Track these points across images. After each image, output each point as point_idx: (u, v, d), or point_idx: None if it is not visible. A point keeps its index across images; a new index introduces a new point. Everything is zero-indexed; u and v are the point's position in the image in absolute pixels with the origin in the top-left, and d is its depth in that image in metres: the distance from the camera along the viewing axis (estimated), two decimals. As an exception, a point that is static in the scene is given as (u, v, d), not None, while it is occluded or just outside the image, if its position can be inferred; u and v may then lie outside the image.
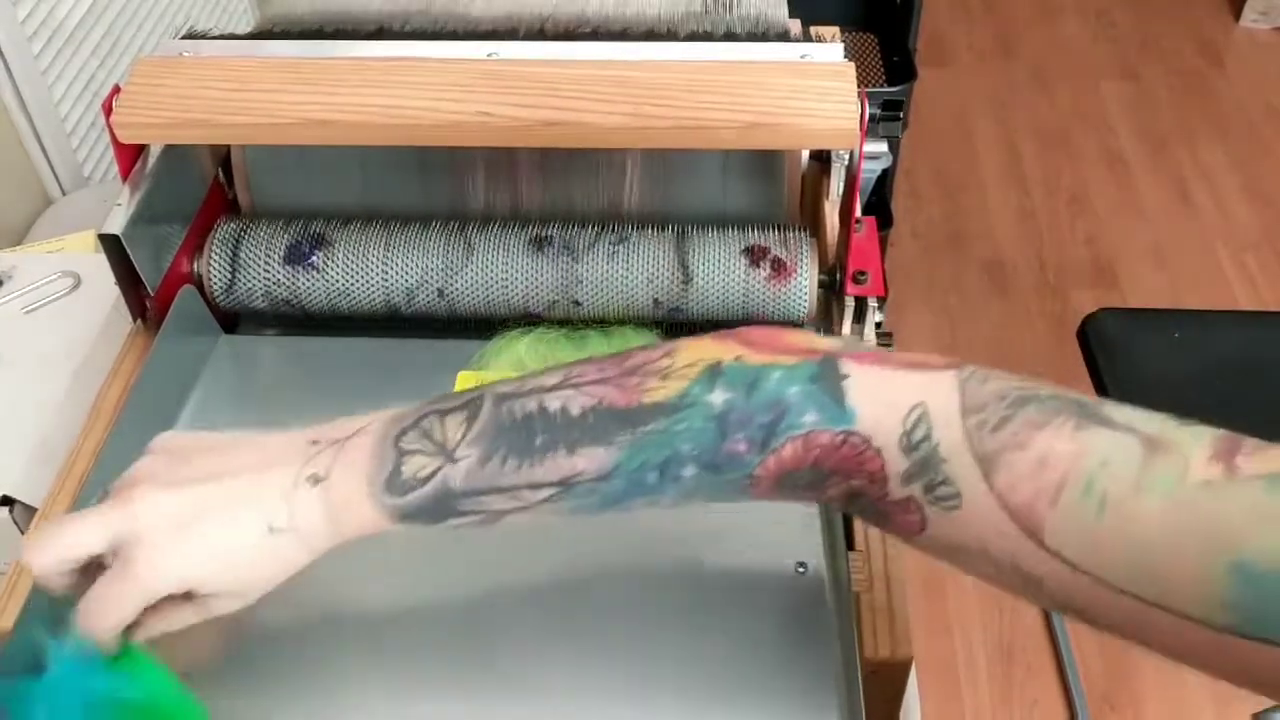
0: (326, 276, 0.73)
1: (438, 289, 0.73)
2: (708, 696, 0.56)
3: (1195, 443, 0.41)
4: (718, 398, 0.46)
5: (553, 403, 0.48)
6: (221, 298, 0.75)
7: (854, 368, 0.46)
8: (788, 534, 0.63)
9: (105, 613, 0.47)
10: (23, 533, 0.71)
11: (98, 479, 0.64)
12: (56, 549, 0.47)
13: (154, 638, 0.49)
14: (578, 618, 0.59)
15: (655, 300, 0.72)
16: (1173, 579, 0.39)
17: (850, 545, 0.62)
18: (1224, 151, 2.29)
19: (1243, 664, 0.39)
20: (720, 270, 0.72)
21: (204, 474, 0.49)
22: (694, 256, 0.72)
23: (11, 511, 0.71)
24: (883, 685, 0.60)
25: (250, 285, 0.74)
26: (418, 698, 0.56)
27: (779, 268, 0.71)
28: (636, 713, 0.56)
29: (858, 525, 0.63)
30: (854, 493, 0.47)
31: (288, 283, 0.73)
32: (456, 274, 0.72)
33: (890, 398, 0.45)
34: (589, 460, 0.47)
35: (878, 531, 0.63)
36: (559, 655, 0.58)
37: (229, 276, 0.74)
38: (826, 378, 0.46)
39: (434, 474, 0.48)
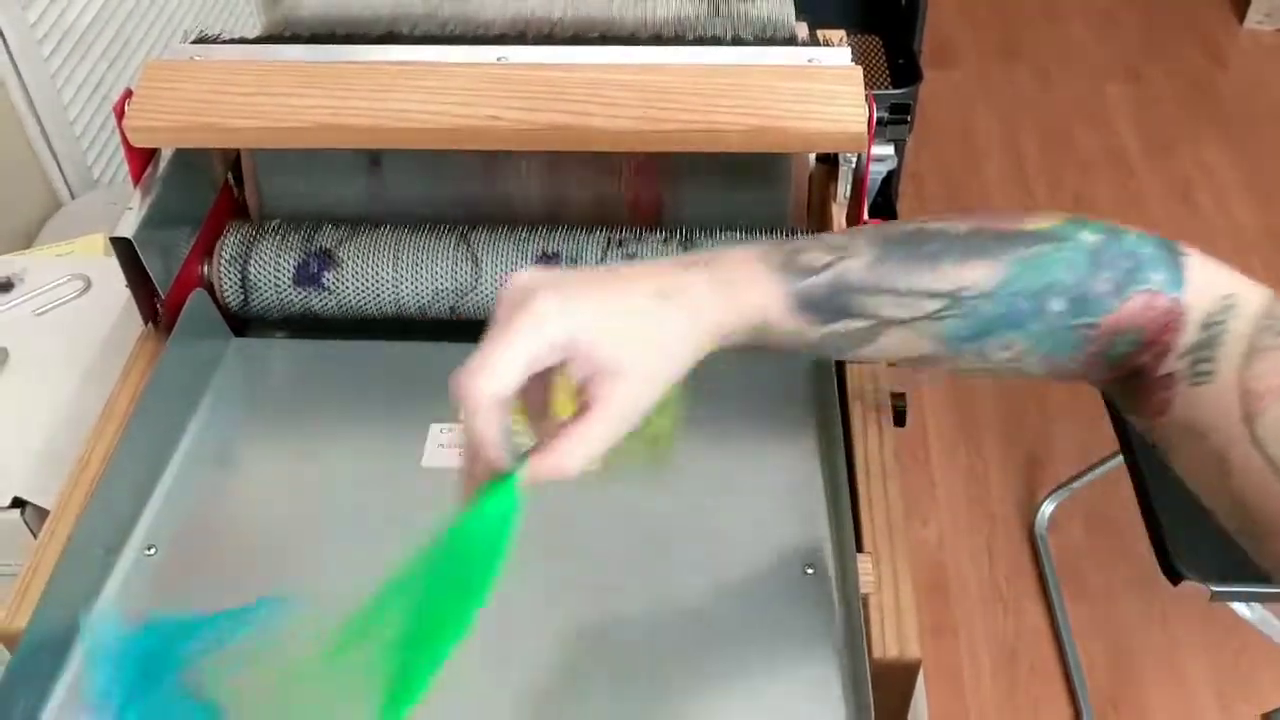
0: (338, 296, 0.74)
1: (449, 306, 0.74)
2: (717, 696, 0.57)
3: None
4: (1089, 236, 0.49)
5: (933, 224, 0.50)
6: (232, 303, 0.75)
7: (1190, 249, 0.50)
8: (796, 536, 0.63)
9: (494, 354, 0.46)
10: (34, 534, 0.71)
11: (109, 481, 0.64)
12: (497, 377, 0.46)
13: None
14: (587, 618, 0.59)
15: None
16: None
17: (859, 547, 0.63)
18: (1227, 152, 2.29)
19: None
20: None
21: (589, 276, 0.49)
22: None
23: (23, 513, 0.71)
24: (891, 686, 0.60)
25: (263, 304, 0.75)
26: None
27: None
28: (647, 712, 0.56)
29: (866, 527, 0.64)
30: (1137, 370, 0.50)
31: (299, 302, 0.74)
32: (466, 294, 0.73)
33: (1214, 279, 0.49)
34: (977, 273, 0.49)
35: (887, 534, 0.64)
36: (567, 654, 0.58)
37: (239, 283, 0.74)
38: (1169, 248, 0.50)
39: (831, 264, 0.49)
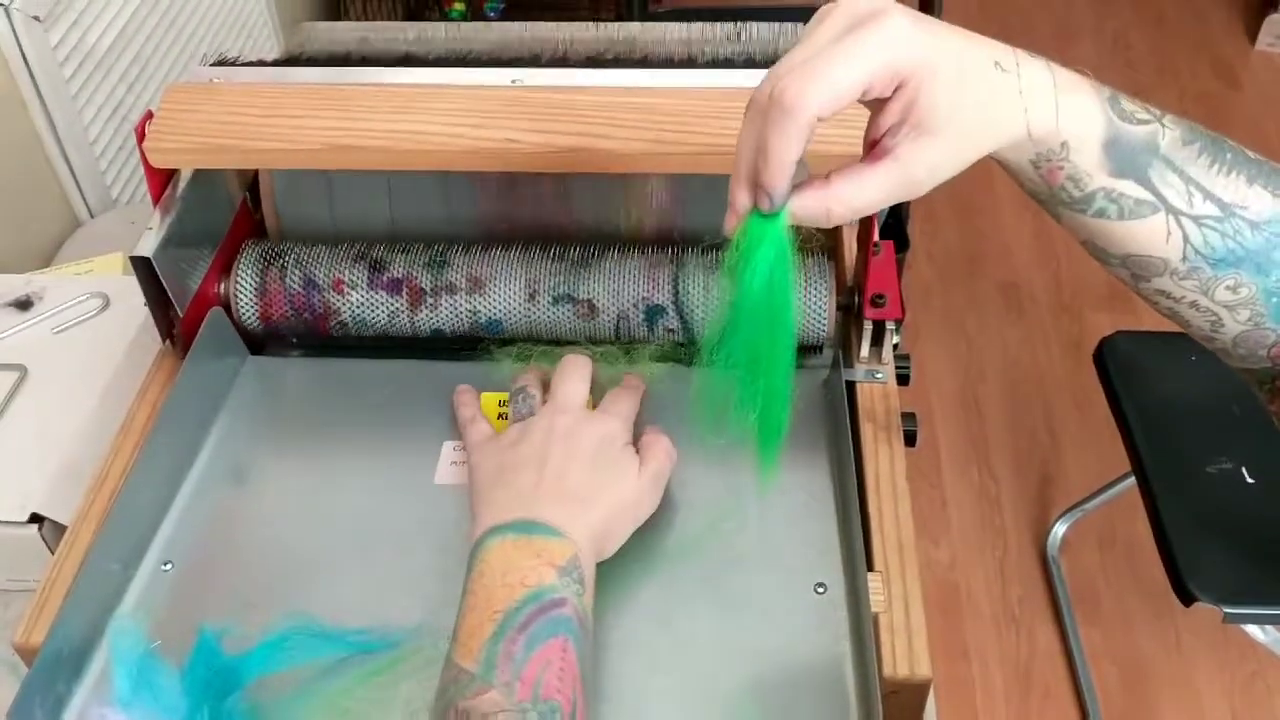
0: (353, 307, 0.75)
1: (466, 324, 0.75)
2: (728, 715, 0.57)
3: None
4: None
5: (1232, 142, 0.49)
6: (249, 321, 0.76)
7: None
8: (807, 555, 0.63)
9: (837, 71, 0.43)
10: (52, 550, 0.72)
11: (126, 497, 0.65)
12: (830, 89, 0.43)
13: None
14: (600, 637, 0.60)
15: (671, 328, 0.73)
16: None
17: (870, 566, 0.63)
18: (1241, 174, 2.29)
19: None
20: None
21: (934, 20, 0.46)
22: (711, 282, 0.73)
23: (41, 529, 0.72)
24: (902, 705, 0.60)
25: (277, 310, 0.75)
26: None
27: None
28: (657, 731, 0.56)
29: (877, 547, 0.64)
30: None
31: (313, 309, 0.75)
32: (481, 314, 0.74)
33: None
34: (1258, 199, 0.48)
35: (897, 553, 0.64)
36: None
37: (256, 301, 0.75)
38: None
39: (1149, 123, 0.48)
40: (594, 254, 0.75)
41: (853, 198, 0.46)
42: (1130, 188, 0.48)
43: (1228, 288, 0.50)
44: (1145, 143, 0.48)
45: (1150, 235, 0.49)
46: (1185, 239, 0.49)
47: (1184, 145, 0.48)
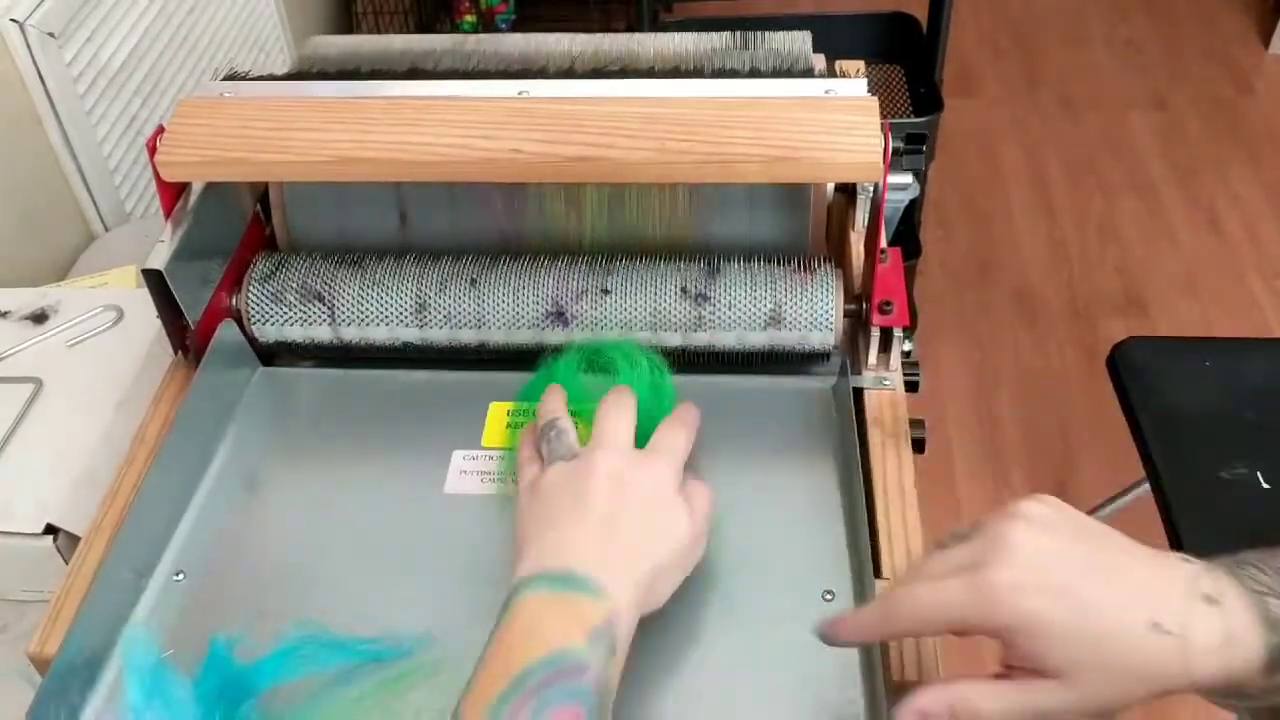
0: (362, 315, 0.75)
1: (473, 330, 0.75)
2: (736, 722, 0.57)
3: None
4: None
5: None
6: (260, 332, 0.77)
7: None
8: (815, 561, 0.63)
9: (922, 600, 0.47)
10: (66, 561, 0.72)
11: (139, 508, 0.65)
12: (912, 622, 0.48)
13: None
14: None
15: (682, 333, 0.73)
16: None
17: (878, 573, 0.63)
18: (1255, 178, 2.28)
19: None
20: (746, 305, 0.73)
21: (1083, 547, 0.46)
22: (720, 291, 0.73)
23: (55, 540, 0.73)
24: (910, 712, 0.60)
25: (287, 320, 0.76)
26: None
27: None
28: (665, 738, 0.57)
29: (885, 553, 0.64)
30: None
31: (323, 319, 0.76)
32: (487, 319, 0.75)
33: None
34: None
35: (906, 558, 0.64)
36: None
37: (267, 313, 0.76)
38: None
39: None
40: (610, 262, 0.75)
41: (974, 708, 0.46)
42: None
43: None
44: None
45: None
46: None
47: None
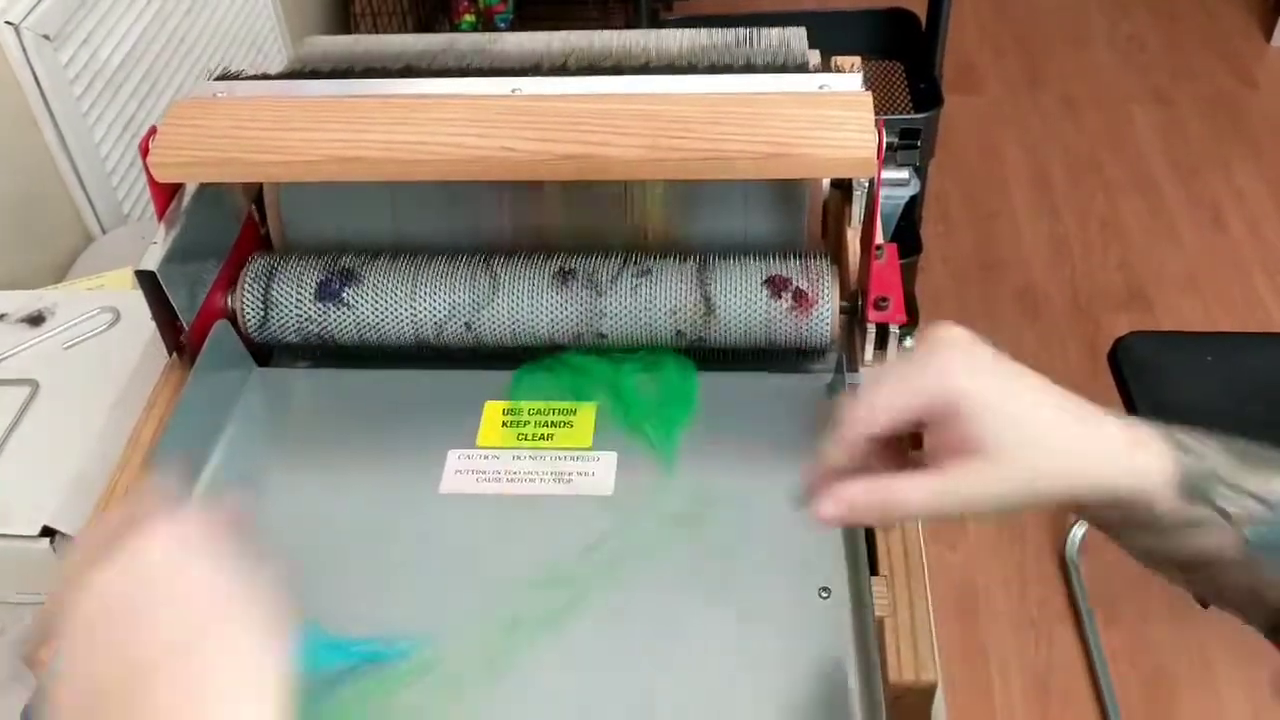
0: (357, 312, 0.75)
1: (465, 322, 0.74)
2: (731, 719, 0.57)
3: None
4: None
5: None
6: (255, 333, 0.76)
7: None
8: (811, 559, 0.63)
9: (874, 397, 0.49)
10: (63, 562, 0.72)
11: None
12: (865, 418, 0.49)
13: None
14: (601, 639, 0.60)
15: (678, 331, 0.73)
16: None
17: (874, 571, 0.62)
18: (1258, 174, 2.27)
19: None
20: (742, 302, 0.72)
21: (1008, 364, 0.50)
22: (716, 289, 0.73)
23: (52, 542, 0.73)
24: (908, 710, 0.60)
25: (283, 321, 0.76)
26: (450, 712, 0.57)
27: (801, 299, 0.72)
28: (660, 737, 0.56)
29: (881, 550, 0.64)
30: None
31: (319, 318, 0.75)
32: (482, 308, 0.74)
33: None
34: None
35: (902, 557, 0.63)
36: (581, 675, 0.58)
37: (262, 313, 0.76)
38: None
39: (1203, 452, 0.48)
40: (607, 261, 0.75)
41: (897, 506, 0.48)
42: (1196, 511, 0.48)
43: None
44: (1209, 471, 0.48)
45: (1209, 542, 0.49)
46: (1244, 540, 0.49)
47: (1237, 461, 0.49)
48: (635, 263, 0.74)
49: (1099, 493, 0.48)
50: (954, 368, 0.48)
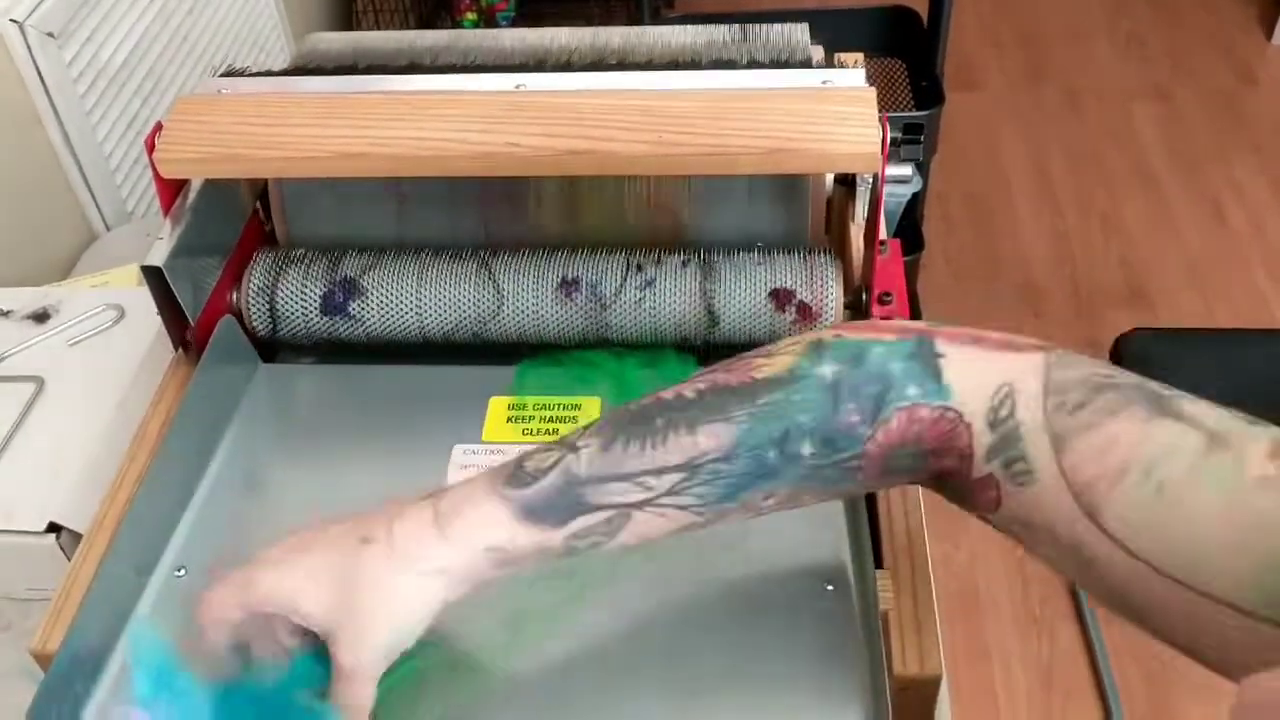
0: (364, 324, 0.75)
1: (472, 333, 0.75)
2: (736, 715, 0.57)
3: (1255, 440, 0.42)
4: (827, 369, 0.48)
5: (668, 393, 0.49)
6: (264, 336, 0.77)
7: (948, 346, 0.48)
8: (816, 553, 0.63)
9: (209, 608, 0.50)
10: (68, 559, 0.73)
11: (140, 505, 0.65)
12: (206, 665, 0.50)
13: None
14: (606, 635, 0.60)
15: (683, 338, 0.74)
16: (1222, 570, 0.40)
17: (879, 564, 0.63)
18: (1258, 170, 2.27)
19: None
20: (746, 316, 0.73)
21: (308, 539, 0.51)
22: (720, 301, 0.73)
23: (58, 538, 0.73)
24: (912, 703, 0.60)
25: (291, 331, 0.76)
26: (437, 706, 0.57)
27: (804, 312, 0.72)
28: (666, 729, 0.56)
29: (886, 544, 0.64)
30: (945, 472, 0.49)
31: (326, 328, 0.76)
32: (488, 322, 0.74)
33: (981, 376, 0.47)
34: (710, 437, 0.47)
35: (906, 550, 0.64)
36: (587, 672, 0.59)
37: (269, 324, 0.76)
38: (923, 355, 0.48)
39: (556, 463, 0.48)
40: (609, 268, 0.75)
41: (347, 707, 0.49)
42: (585, 521, 0.48)
43: (765, 497, 0.49)
44: (560, 485, 0.48)
45: (654, 524, 0.49)
46: (682, 506, 0.48)
47: (604, 452, 0.48)
48: (638, 270, 0.74)
49: (461, 582, 0.49)
50: (228, 602, 0.49)
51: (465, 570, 0.48)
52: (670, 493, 0.48)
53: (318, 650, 0.55)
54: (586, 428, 0.50)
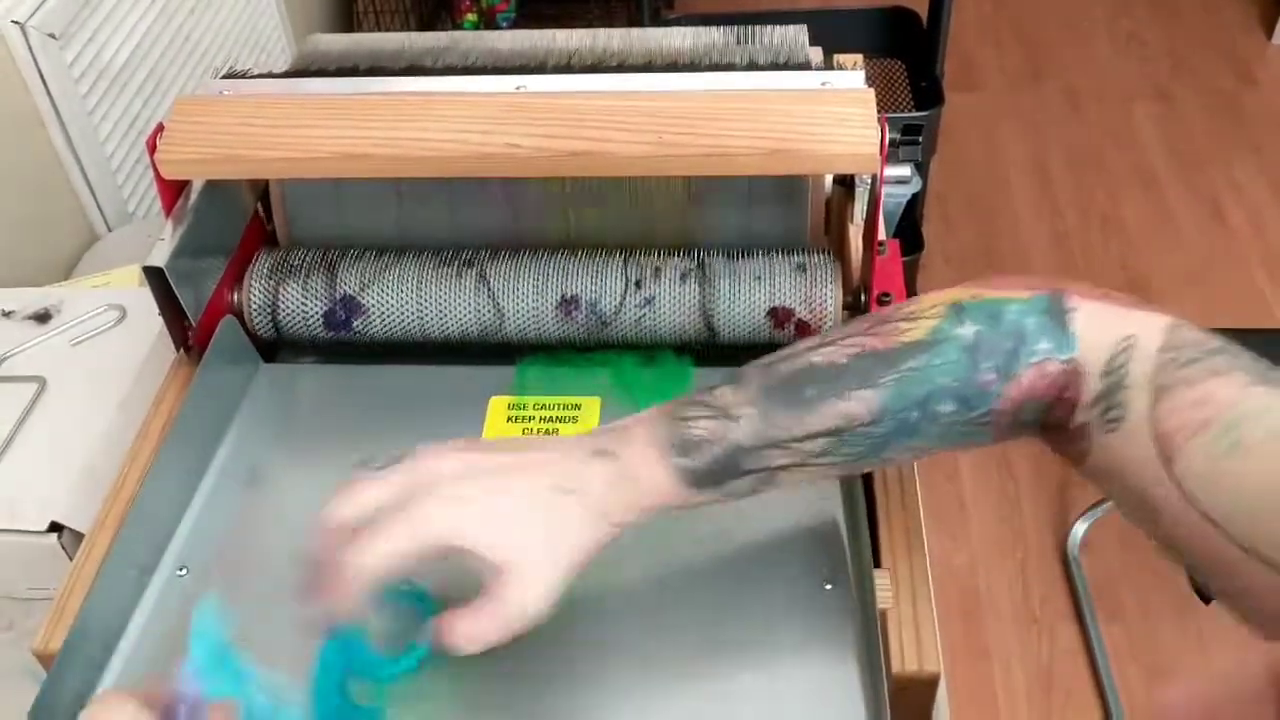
0: (367, 337, 0.76)
1: (476, 342, 0.76)
2: (735, 712, 0.57)
3: None
4: (967, 330, 0.50)
5: (818, 357, 0.52)
6: (265, 337, 0.77)
7: (1079, 302, 0.50)
8: (814, 551, 0.63)
9: (374, 544, 0.48)
10: (70, 558, 0.73)
11: (142, 504, 0.66)
12: (369, 566, 0.48)
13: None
14: (604, 632, 0.60)
15: (683, 346, 0.74)
16: (1272, 531, 0.41)
17: (877, 563, 0.63)
18: (1259, 169, 2.27)
19: None
20: (745, 333, 0.74)
21: (488, 468, 0.51)
22: (719, 319, 0.73)
23: (60, 538, 0.73)
24: (911, 702, 0.60)
25: (292, 333, 0.77)
26: (443, 705, 0.57)
27: (803, 330, 0.73)
28: (665, 728, 0.57)
29: (885, 543, 0.64)
30: (1052, 422, 0.51)
31: (330, 340, 0.77)
32: (490, 337, 0.75)
33: (1108, 329, 0.49)
34: (859, 403, 0.50)
35: (905, 549, 0.64)
36: (584, 667, 0.59)
37: (270, 324, 0.77)
38: (1055, 310, 0.50)
39: (719, 438, 0.51)
40: (609, 258, 0.75)
41: (474, 638, 0.49)
42: (744, 481, 0.52)
43: (905, 450, 0.52)
44: (728, 454, 0.51)
45: (804, 478, 0.53)
46: (830, 464, 0.52)
47: (762, 422, 0.51)
48: (638, 288, 0.73)
49: (622, 528, 0.51)
50: (439, 516, 0.48)
51: (633, 525, 0.52)
52: (819, 454, 0.51)
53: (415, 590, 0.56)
54: (733, 388, 0.52)
